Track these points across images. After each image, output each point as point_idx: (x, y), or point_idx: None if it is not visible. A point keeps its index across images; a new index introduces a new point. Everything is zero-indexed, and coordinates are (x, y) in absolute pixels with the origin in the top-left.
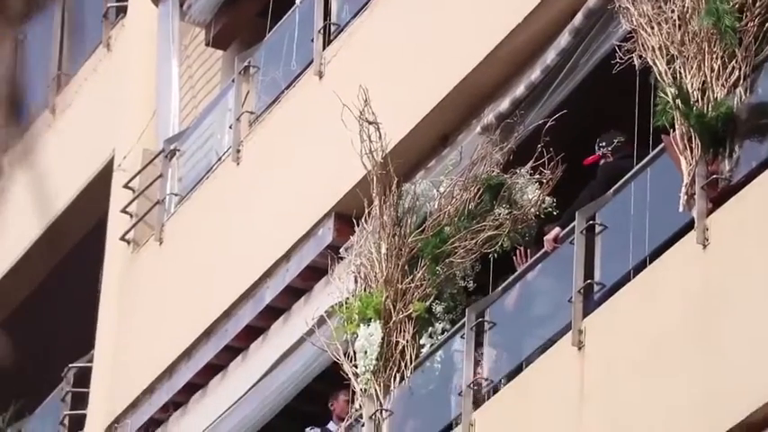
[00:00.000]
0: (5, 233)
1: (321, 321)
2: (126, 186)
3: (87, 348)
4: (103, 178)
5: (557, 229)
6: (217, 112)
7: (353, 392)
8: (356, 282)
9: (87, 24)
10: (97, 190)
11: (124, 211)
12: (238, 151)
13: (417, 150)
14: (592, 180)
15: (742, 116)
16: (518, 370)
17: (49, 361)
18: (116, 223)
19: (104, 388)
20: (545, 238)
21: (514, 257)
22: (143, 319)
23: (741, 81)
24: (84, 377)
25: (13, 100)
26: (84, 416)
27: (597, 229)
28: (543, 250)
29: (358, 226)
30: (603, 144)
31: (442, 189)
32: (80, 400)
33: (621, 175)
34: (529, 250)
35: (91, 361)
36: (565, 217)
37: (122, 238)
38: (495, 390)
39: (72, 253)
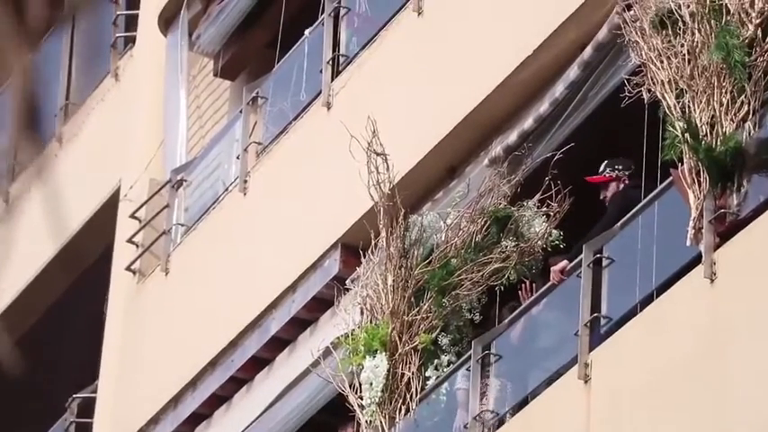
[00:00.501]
0: (12, 262)
1: (327, 353)
2: (132, 216)
3: (92, 379)
4: (110, 208)
5: (564, 261)
6: (224, 143)
7: (359, 424)
8: (362, 313)
9: (96, 54)
10: (103, 220)
11: (130, 241)
12: (245, 182)
13: (425, 182)
14: (602, 213)
15: (750, 151)
16: (524, 403)
17: (53, 391)
18: (122, 253)
19: (108, 419)
20: (552, 269)
21: (520, 291)
22: (148, 350)
23: (750, 116)
24: (88, 407)
25: (32, 112)
26: None
27: (604, 262)
28: (550, 283)
29: (364, 257)
30: (620, 167)
31: (449, 221)
32: (84, 431)
33: (633, 205)
34: (534, 284)
35: (95, 391)
36: (575, 249)
37: (128, 269)
38: (501, 422)
39: (77, 283)
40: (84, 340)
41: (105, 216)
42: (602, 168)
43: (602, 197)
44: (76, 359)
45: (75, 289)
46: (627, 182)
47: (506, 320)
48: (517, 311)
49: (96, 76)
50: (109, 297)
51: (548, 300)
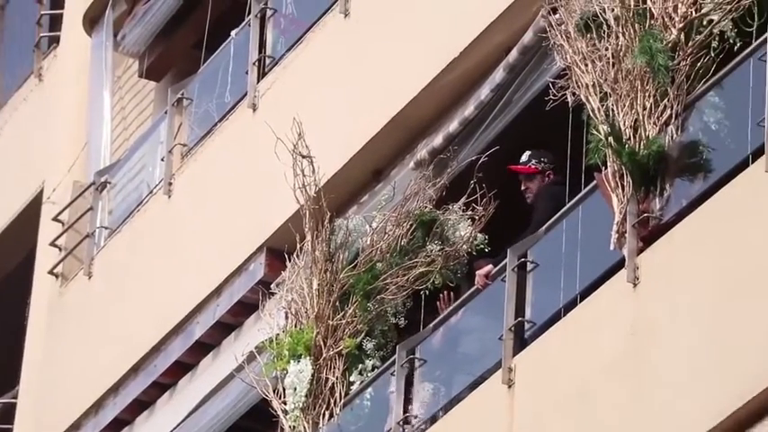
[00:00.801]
0: None
1: (251, 357)
2: (55, 219)
3: (12, 384)
4: (32, 210)
5: (489, 266)
6: (149, 145)
7: (282, 430)
8: (287, 318)
9: (18, 54)
10: (26, 222)
11: (53, 244)
12: (170, 184)
13: (350, 185)
14: (527, 217)
15: (673, 155)
16: (448, 407)
17: None
18: (45, 256)
19: (29, 424)
20: (477, 273)
21: (438, 302)
22: (70, 354)
23: (673, 119)
24: (8, 413)
25: None
26: None
27: (529, 266)
28: (475, 287)
29: (289, 261)
30: (545, 160)
31: (374, 225)
32: None
33: (561, 204)
34: (453, 293)
35: (16, 397)
36: (502, 254)
37: (51, 272)
38: (426, 426)
39: None
40: (6, 345)
41: (28, 218)
42: (525, 158)
43: (523, 188)
44: None
45: None
46: (551, 176)
47: (431, 325)
48: (442, 315)
49: (19, 76)
50: (31, 301)
51: (472, 304)
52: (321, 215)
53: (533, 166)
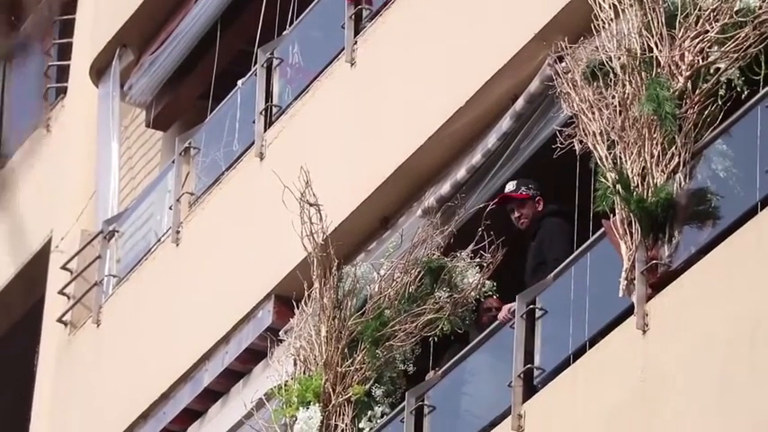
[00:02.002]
0: None
1: (260, 404)
2: (64, 267)
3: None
4: (41, 259)
5: (514, 303)
6: (156, 194)
7: None
8: (295, 364)
9: (27, 105)
10: (35, 271)
11: (62, 292)
12: (178, 232)
13: (358, 233)
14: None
15: (681, 202)
16: None
17: None
18: (53, 304)
19: None
20: (502, 308)
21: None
22: (79, 402)
23: (680, 167)
24: None
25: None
26: None
27: (537, 313)
28: (486, 332)
29: (298, 308)
30: (533, 186)
31: (382, 272)
32: None
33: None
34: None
35: None
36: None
37: (59, 320)
38: None
39: (8, 335)
40: (15, 393)
41: (36, 267)
42: (513, 186)
43: (516, 215)
44: (7, 412)
45: (5, 341)
46: (541, 202)
47: (439, 372)
48: (450, 362)
49: (27, 127)
50: (40, 349)
51: (481, 351)
52: (329, 262)
53: (524, 193)
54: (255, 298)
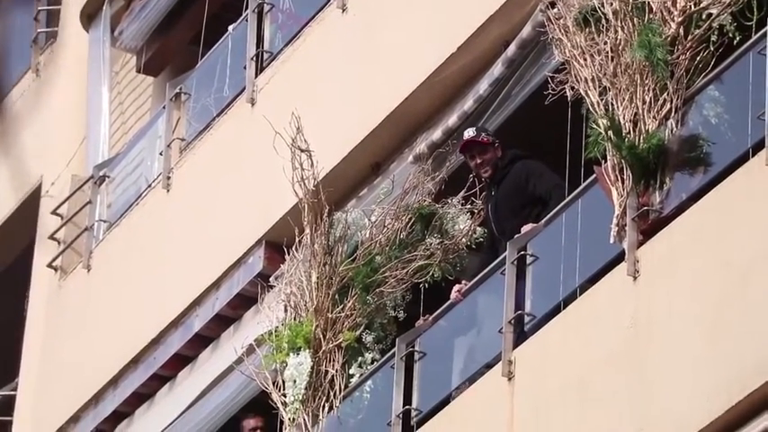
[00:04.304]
0: None
1: (250, 350)
2: (54, 213)
3: (12, 376)
4: (31, 204)
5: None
6: (147, 139)
7: (281, 422)
8: (286, 310)
9: (16, 49)
10: (25, 216)
11: (52, 237)
12: (168, 178)
13: (349, 179)
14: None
15: (673, 148)
16: (448, 400)
17: None
18: (44, 250)
19: (29, 417)
20: (454, 288)
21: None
22: (70, 347)
23: (672, 113)
24: (8, 405)
25: None
26: None
27: (528, 259)
28: (475, 279)
29: (288, 254)
30: (489, 133)
31: (373, 218)
32: (4, 429)
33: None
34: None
35: (15, 389)
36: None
37: (50, 265)
38: (426, 419)
39: None
40: (5, 337)
41: (27, 212)
42: (474, 132)
43: (479, 161)
44: None
45: None
46: (500, 148)
47: (430, 318)
48: (441, 309)
49: (17, 72)
50: (30, 294)
51: (472, 297)
52: (320, 209)
53: (485, 138)
54: (246, 244)
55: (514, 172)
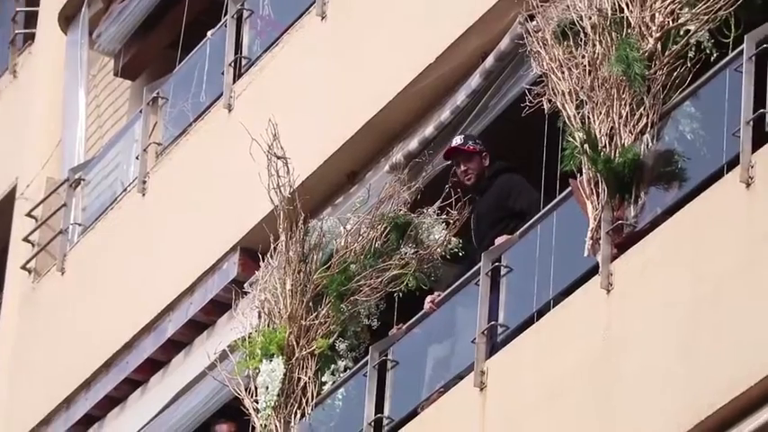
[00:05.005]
0: None
1: (223, 356)
2: (29, 215)
3: None
4: (6, 206)
5: (436, 293)
6: (123, 143)
7: (253, 428)
8: (260, 317)
9: None
10: None
11: (26, 239)
12: (144, 182)
13: (325, 187)
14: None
15: (648, 163)
16: (419, 410)
17: None
18: (18, 252)
19: (0, 418)
20: (426, 299)
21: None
22: (42, 350)
23: (648, 128)
24: None
25: None
26: None
27: (503, 270)
28: (449, 290)
29: (263, 261)
30: (479, 142)
31: (348, 226)
32: None
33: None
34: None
35: None
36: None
37: (24, 267)
38: (398, 427)
39: None
40: None
41: (1, 214)
42: (461, 140)
43: (463, 168)
44: None
45: None
46: (488, 158)
47: (404, 327)
48: (414, 319)
49: None
50: (3, 296)
51: (446, 307)
52: (295, 216)
53: (472, 147)
54: (221, 250)
55: (498, 185)
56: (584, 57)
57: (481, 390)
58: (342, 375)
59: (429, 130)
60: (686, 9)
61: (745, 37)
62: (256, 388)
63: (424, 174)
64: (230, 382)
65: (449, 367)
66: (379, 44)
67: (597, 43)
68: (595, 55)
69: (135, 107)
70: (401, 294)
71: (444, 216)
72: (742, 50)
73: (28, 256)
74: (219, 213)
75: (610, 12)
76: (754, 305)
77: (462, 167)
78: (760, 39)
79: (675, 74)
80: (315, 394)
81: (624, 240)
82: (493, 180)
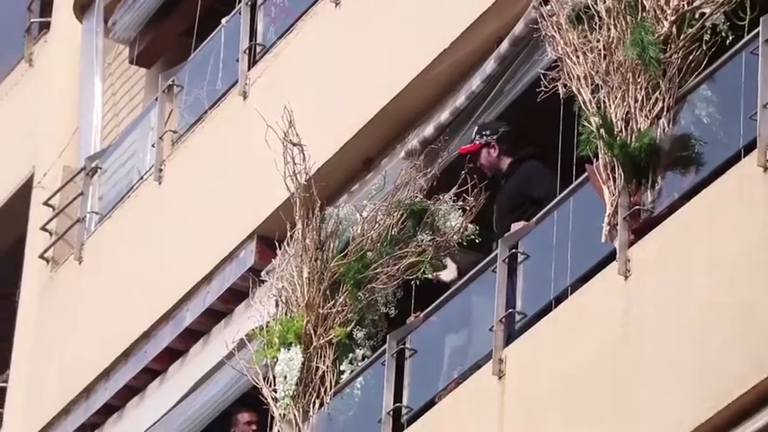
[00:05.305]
0: None
1: (241, 345)
2: (46, 204)
3: (3, 368)
4: (23, 195)
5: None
6: (139, 131)
7: (271, 416)
8: (277, 305)
9: (9, 39)
10: (16, 207)
11: (44, 228)
12: (160, 170)
13: (341, 174)
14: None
15: (665, 147)
16: (438, 398)
17: None
18: (35, 241)
19: (20, 408)
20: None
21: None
22: (61, 339)
23: (664, 112)
24: None
25: None
26: None
27: (519, 257)
28: (465, 277)
29: (280, 249)
30: (488, 132)
31: (365, 214)
32: None
33: (540, 177)
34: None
35: (6, 381)
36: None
37: (41, 256)
38: (415, 417)
39: None
40: None
41: (18, 203)
42: (473, 136)
43: (477, 165)
44: None
45: None
46: (496, 146)
47: (421, 315)
48: (432, 306)
49: (9, 61)
50: (21, 285)
51: (463, 294)
52: (312, 203)
53: (477, 142)
54: (238, 238)
55: (519, 172)
56: (598, 41)
57: (500, 378)
58: (360, 364)
59: (444, 115)
60: None
61: (761, 19)
62: (274, 377)
63: (440, 160)
64: (249, 372)
65: (466, 355)
66: (393, 30)
67: (612, 27)
68: (610, 39)
69: (150, 95)
70: (418, 282)
71: (461, 202)
72: (758, 33)
73: (45, 245)
74: (236, 201)
75: None
76: None
77: (478, 163)
78: None
79: (691, 57)
80: (333, 383)
81: (641, 226)
82: (516, 167)
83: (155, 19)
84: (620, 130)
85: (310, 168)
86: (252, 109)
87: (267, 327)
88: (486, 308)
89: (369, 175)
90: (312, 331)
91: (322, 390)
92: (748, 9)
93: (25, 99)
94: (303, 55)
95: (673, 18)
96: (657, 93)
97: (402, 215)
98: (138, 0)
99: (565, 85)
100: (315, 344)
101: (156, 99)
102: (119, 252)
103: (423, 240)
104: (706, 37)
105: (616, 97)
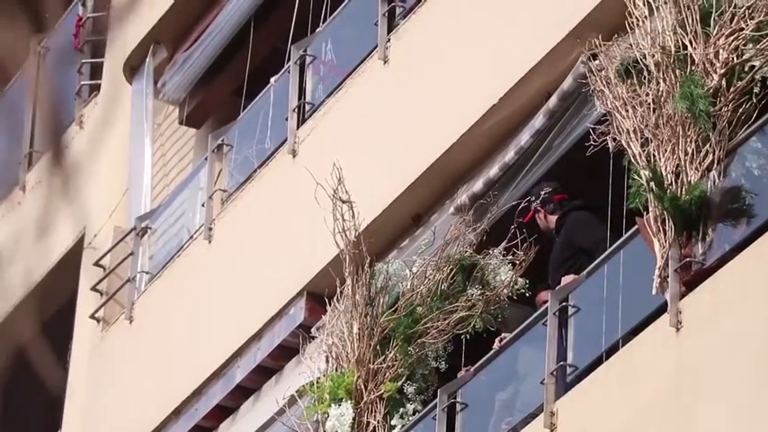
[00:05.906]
0: None
1: (292, 401)
2: (97, 264)
3: (55, 429)
4: (74, 256)
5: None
6: (189, 190)
7: None
8: (327, 361)
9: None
10: (68, 267)
11: (94, 288)
12: (210, 229)
13: (390, 230)
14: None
15: (715, 200)
16: None
17: None
18: (86, 301)
19: None
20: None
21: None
22: (112, 398)
23: (715, 165)
24: None
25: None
26: None
27: (570, 310)
28: (517, 330)
29: (330, 305)
30: (533, 198)
31: (414, 269)
32: None
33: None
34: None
35: None
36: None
37: (92, 317)
38: None
39: (41, 331)
40: (47, 389)
41: (69, 264)
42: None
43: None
44: (39, 408)
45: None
46: (541, 210)
47: (472, 369)
48: (482, 360)
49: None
50: (72, 345)
51: (514, 348)
52: (361, 259)
53: (527, 215)
54: (287, 295)
55: (566, 224)
56: (648, 94)
57: (551, 431)
58: (411, 419)
59: (494, 171)
60: (750, 45)
61: None
62: None
63: (489, 215)
64: (300, 428)
65: (517, 408)
66: (441, 86)
67: (661, 81)
68: (659, 92)
69: (200, 155)
70: (468, 336)
71: (510, 257)
72: None
73: (96, 305)
74: (285, 258)
75: (673, 49)
76: None
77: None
78: None
79: (741, 110)
80: None
81: (693, 278)
82: (563, 221)
83: (204, 79)
84: (671, 183)
85: (359, 225)
86: (301, 167)
87: (318, 383)
88: (536, 361)
89: (418, 230)
90: (363, 386)
91: None
92: None
93: (76, 161)
94: (352, 112)
95: (722, 71)
96: (708, 145)
97: (452, 270)
98: (188, 61)
99: (614, 139)
100: (365, 399)
101: (206, 159)
102: (169, 311)
103: (473, 295)
104: (756, 89)
105: (666, 150)
